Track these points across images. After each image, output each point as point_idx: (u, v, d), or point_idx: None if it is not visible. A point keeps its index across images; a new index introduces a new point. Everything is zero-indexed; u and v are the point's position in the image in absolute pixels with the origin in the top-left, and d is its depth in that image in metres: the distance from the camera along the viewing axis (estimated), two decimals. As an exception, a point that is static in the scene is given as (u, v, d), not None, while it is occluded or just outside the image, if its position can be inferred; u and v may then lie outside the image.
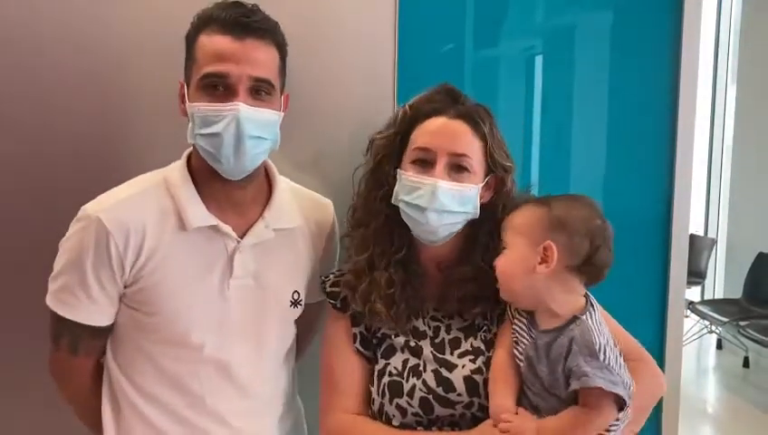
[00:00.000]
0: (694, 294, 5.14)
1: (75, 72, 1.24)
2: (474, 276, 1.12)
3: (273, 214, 1.13)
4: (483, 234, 1.13)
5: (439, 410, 1.07)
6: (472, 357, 1.09)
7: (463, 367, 1.08)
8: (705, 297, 5.22)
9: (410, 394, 1.07)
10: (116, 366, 1.11)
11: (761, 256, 4.49)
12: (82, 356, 1.11)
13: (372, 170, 1.15)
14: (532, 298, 1.05)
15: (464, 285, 1.12)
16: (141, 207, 1.06)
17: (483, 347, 1.11)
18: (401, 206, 1.09)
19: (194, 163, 1.10)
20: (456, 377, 1.08)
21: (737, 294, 4.63)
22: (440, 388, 1.07)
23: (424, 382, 1.08)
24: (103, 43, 1.25)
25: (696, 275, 4.66)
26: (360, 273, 1.12)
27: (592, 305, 1.06)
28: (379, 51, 1.37)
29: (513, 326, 1.08)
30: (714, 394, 4.34)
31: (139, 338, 1.09)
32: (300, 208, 1.19)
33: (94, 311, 1.06)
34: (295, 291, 1.17)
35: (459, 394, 1.07)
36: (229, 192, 1.09)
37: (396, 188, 1.10)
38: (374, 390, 1.11)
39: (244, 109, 1.01)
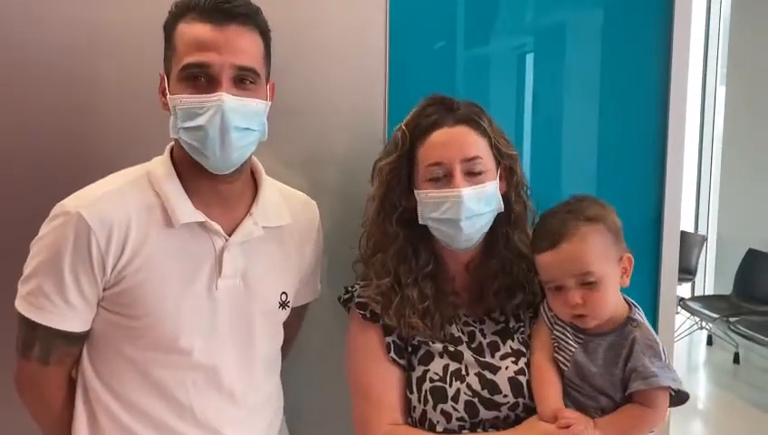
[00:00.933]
0: (684, 290, 5.18)
1: (52, 68, 1.22)
2: (501, 267, 1.14)
3: (261, 211, 1.09)
4: (501, 224, 1.14)
5: (484, 413, 1.07)
6: (514, 359, 1.11)
7: (506, 368, 1.09)
8: (696, 294, 5.25)
9: (455, 398, 1.07)
10: (93, 373, 1.05)
11: (750, 253, 4.52)
12: (54, 366, 1.03)
13: (383, 196, 1.13)
14: (611, 314, 1.06)
15: (495, 279, 1.14)
16: (124, 203, 1.00)
17: (522, 348, 1.12)
18: (430, 224, 1.10)
19: (177, 157, 1.05)
20: (501, 379, 1.08)
21: (727, 290, 4.67)
22: (485, 390, 1.08)
23: (468, 386, 1.08)
24: (79, 39, 1.23)
25: (686, 271, 4.69)
26: (389, 293, 1.11)
27: (634, 304, 1.09)
28: (371, 49, 1.36)
29: (555, 333, 1.09)
30: (704, 390, 4.37)
31: (121, 344, 1.03)
32: (288, 207, 1.15)
33: (71, 316, 0.99)
34: (283, 292, 1.14)
35: (505, 395, 1.07)
36: (215, 187, 1.04)
37: (419, 208, 1.10)
38: (414, 397, 1.10)
39: (228, 99, 0.96)
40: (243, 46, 0.99)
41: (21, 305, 1.00)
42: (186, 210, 1.02)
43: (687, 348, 4.89)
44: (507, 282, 1.14)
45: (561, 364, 1.07)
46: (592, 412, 1.04)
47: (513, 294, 1.15)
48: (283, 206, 1.14)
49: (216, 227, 1.04)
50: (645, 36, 1.50)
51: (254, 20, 1.01)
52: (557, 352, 1.08)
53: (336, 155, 1.36)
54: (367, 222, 1.18)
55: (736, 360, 4.56)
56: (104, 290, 1.00)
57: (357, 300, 1.15)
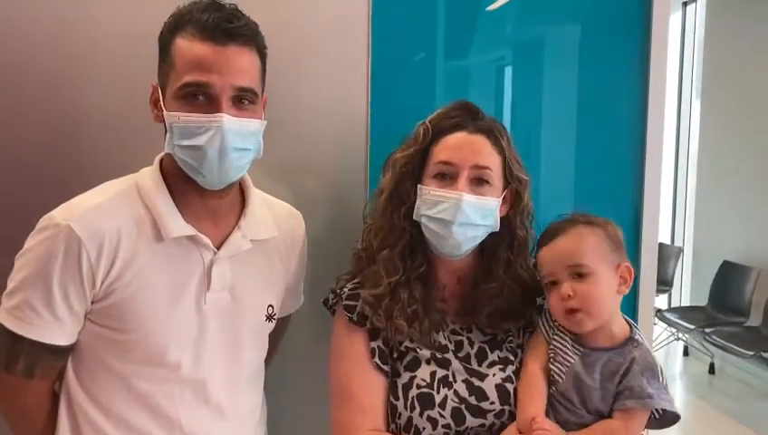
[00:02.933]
0: (661, 301, 5.24)
1: (40, 71, 1.21)
2: (500, 292, 1.14)
3: (249, 224, 1.09)
4: (503, 248, 1.14)
5: (471, 421, 1.07)
6: (501, 366, 1.11)
7: (494, 376, 1.10)
8: (672, 305, 5.32)
9: (442, 405, 1.07)
10: (78, 386, 1.03)
11: (726, 264, 4.59)
12: (38, 379, 1.01)
13: (394, 188, 1.13)
14: (606, 319, 1.07)
15: (491, 302, 1.13)
16: (114, 216, 0.99)
17: (510, 356, 1.13)
18: (423, 221, 1.09)
19: (167, 170, 1.04)
20: (488, 386, 1.09)
21: (703, 301, 4.73)
22: (473, 397, 1.08)
23: (456, 393, 1.08)
24: (68, 41, 1.22)
25: (662, 283, 4.75)
26: (387, 292, 1.10)
27: (635, 325, 1.10)
28: (353, 60, 1.37)
29: (553, 344, 1.10)
30: (681, 400, 4.42)
31: (108, 357, 1.02)
32: (274, 219, 1.15)
33: (58, 330, 0.98)
34: (270, 305, 1.14)
35: (492, 402, 1.08)
36: (206, 201, 1.04)
37: (417, 203, 1.10)
38: (400, 404, 1.09)
39: (228, 121, 0.95)
40: (243, 67, 0.98)
41: (6, 319, 0.98)
42: (176, 224, 1.01)
43: (664, 359, 4.94)
44: (501, 306, 1.14)
45: (555, 375, 1.07)
46: (573, 428, 1.04)
47: (504, 318, 1.15)
48: (269, 218, 1.14)
49: (206, 240, 1.04)
50: (622, 50, 1.52)
51: (254, 40, 1.00)
52: (552, 363, 1.08)
53: (319, 165, 1.36)
54: (373, 215, 1.17)
55: (712, 370, 4.62)
56: (93, 303, 0.99)
57: (345, 302, 1.14)
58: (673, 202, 5.52)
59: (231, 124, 0.96)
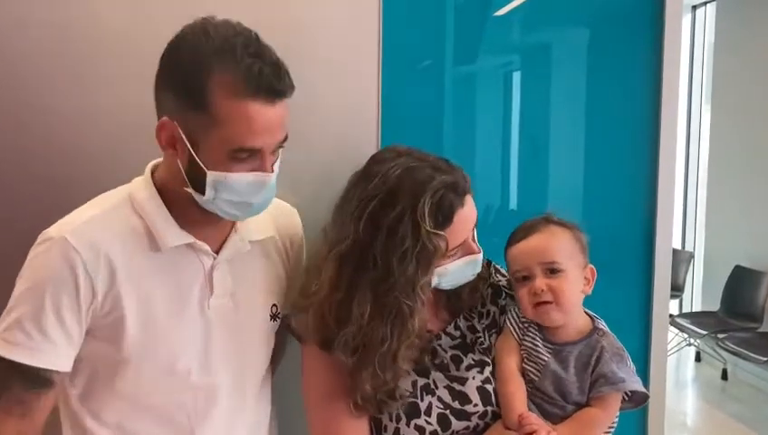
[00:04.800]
0: (672, 306, 5.20)
1: (43, 71, 1.21)
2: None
3: (246, 225, 1.07)
4: None
5: (456, 425, 1.07)
6: (479, 369, 1.12)
7: (473, 378, 1.11)
8: (684, 310, 5.27)
9: (428, 413, 1.07)
10: (86, 413, 1.00)
11: (738, 269, 4.55)
12: (10, 419, 0.93)
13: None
14: (573, 315, 1.12)
15: (442, 291, 1.13)
16: (110, 227, 0.97)
17: (484, 358, 1.14)
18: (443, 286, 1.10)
19: (160, 180, 1.02)
20: (470, 389, 1.10)
21: (715, 306, 4.69)
22: (456, 402, 1.08)
23: (439, 399, 1.08)
24: (72, 41, 1.22)
25: (674, 288, 4.71)
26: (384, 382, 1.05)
27: (595, 315, 1.16)
28: (364, 66, 1.37)
29: (525, 344, 1.13)
30: (693, 406, 4.38)
31: (112, 373, 0.98)
32: (271, 217, 1.14)
33: (43, 350, 0.91)
34: (273, 304, 1.14)
35: (475, 405, 1.09)
36: (202, 208, 1.00)
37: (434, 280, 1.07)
38: (385, 417, 1.08)
39: (274, 176, 0.97)
40: (285, 121, 0.96)
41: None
42: (173, 233, 1.00)
43: (676, 364, 4.90)
44: (454, 291, 1.14)
45: (531, 374, 1.11)
46: (552, 419, 1.08)
47: (459, 295, 1.16)
48: (266, 218, 1.12)
49: (205, 246, 1.03)
50: (633, 55, 1.51)
51: (292, 90, 0.96)
52: (526, 363, 1.12)
53: (330, 171, 1.36)
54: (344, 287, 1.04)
55: (724, 376, 4.57)
56: (92, 319, 0.96)
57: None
58: (683, 207, 5.48)
59: (275, 177, 0.98)
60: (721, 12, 5.04)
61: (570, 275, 1.10)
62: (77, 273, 0.92)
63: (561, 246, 1.11)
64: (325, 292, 1.03)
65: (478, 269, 1.11)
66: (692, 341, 4.78)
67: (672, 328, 4.66)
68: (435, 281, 1.06)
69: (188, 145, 0.93)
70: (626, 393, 1.09)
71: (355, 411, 1.05)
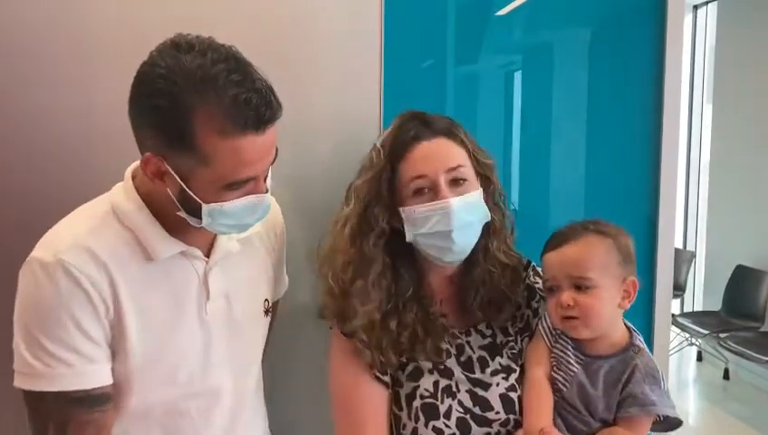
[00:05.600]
0: (674, 306, 5.19)
1: (48, 72, 1.21)
2: (482, 279, 1.13)
3: None
4: (480, 235, 1.13)
5: (476, 430, 1.06)
6: (504, 375, 1.10)
7: (497, 385, 1.09)
8: (685, 310, 5.27)
9: (447, 415, 1.06)
10: None
11: (739, 269, 4.55)
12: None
13: (359, 216, 1.09)
14: (605, 330, 1.06)
15: (477, 292, 1.13)
16: (101, 241, 0.92)
17: (512, 364, 1.12)
18: (420, 240, 1.08)
19: (144, 188, 0.96)
20: (492, 396, 1.08)
21: (717, 306, 4.68)
22: (477, 407, 1.07)
23: (460, 403, 1.07)
24: (74, 41, 1.23)
25: (675, 287, 4.68)
26: (373, 324, 1.08)
27: (634, 329, 1.09)
28: (366, 67, 1.37)
29: (555, 351, 1.09)
30: (695, 406, 4.37)
31: (117, 387, 0.95)
32: None
33: (87, 369, 0.89)
34: (266, 299, 1.14)
35: (497, 412, 1.07)
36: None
37: (406, 226, 1.08)
38: (404, 414, 1.08)
39: (269, 194, 0.96)
40: (273, 143, 0.92)
41: (22, 381, 0.88)
42: (164, 244, 0.97)
43: (677, 364, 4.90)
44: (490, 294, 1.14)
45: (560, 384, 1.06)
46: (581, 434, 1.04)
47: (499, 307, 1.14)
48: None
49: (198, 252, 1.01)
50: (635, 55, 1.51)
51: (281, 110, 0.91)
52: (555, 371, 1.07)
53: (332, 172, 1.36)
54: (339, 248, 1.11)
55: (726, 376, 4.57)
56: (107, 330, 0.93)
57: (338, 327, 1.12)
58: (685, 206, 5.48)
59: (269, 195, 0.96)
60: (722, 11, 5.03)
61: (601, 292, 1.03)
62: (85, 288, 0.90)
63: (594, 259, 1.03)
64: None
65: (446, 220, 1.06)
66: (694, 340, 4.77)
67: (674, 328, 4.66)
68: (407, 226, 1.09)
69: (179, 180, 0.89)
70: (658, 416, 1.03)
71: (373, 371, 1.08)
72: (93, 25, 1.23)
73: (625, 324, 1.09)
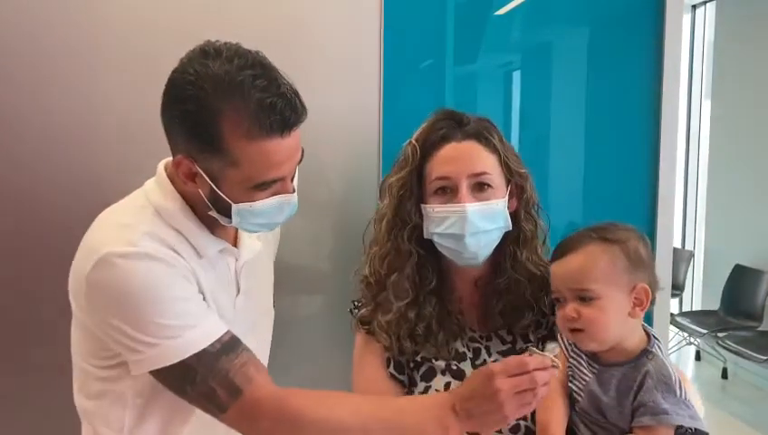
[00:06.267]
0: (672, 305, 5.19)
1: (50, 71, 1.22)
2: (507, 287, 1.13)
3: None
4: (508, 242, 1.13)
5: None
6: None
7: None
8: (684, 309, 5.27)
9: None
10: (137, 413, 0.98)
11: (738, 268, 4.55)
12: (260, 377, 0.94)
13: (394, 211, 1.12)
14: (616, 341, 1.01)
15: (500, 298, 1.13)
16: (160, 235, 0.94)
17: None
18: (435, 239, 1.09)
19: (178, 185, 0.98)
20: None
21: (715, 305, 4.68)
22: None
23: None
24: (79, 42, 1.23)
25: (674, 286, 4.71)
26: (403, 315, 1.10)
27: (654, 336, 1.04)
28: (365, 67, 1.38)
29: (570, 361, 1.07)
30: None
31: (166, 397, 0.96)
32: None
33: (213, 320, 0.95)
34: (272, 294, 1.19)
35: None
36: None
37: (424, 223, 1.10)
38: None
39: (296, 194, 0.99)
40: (300, 142, 0.95)
41: (162, 359, 0.90)
42: (210, 241, 1.01)
43: (676, 363, 4.89)
44: (513, 301, 1.13)
45: (574, 394, 1.05)
46: None
47: (521, 314, 1.14)
48: None
49: (234, 249, 1.05)
50: (633, 54, 1.52)
51: (306, 113, 0.94)
52: (571, 382, 1.06)
53: (332, 171, 1.37)
54: (378, 241, 1.15)
55: (725, 375, 4.57)
56: None
57: (361, 316, 1.15)
58: (683, 205, 5.48)
59: (296, 195, 0.99)
60: (721, 11, 5.03)
61: (605, 302, 0.98)
62: (173, 264, 0.92)
63: (595, 269, 0.98)
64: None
65: (461, 224, 1.06)
66: (692, 340, 4.78)
67: (672, 327, 4.66)
68: (425, 223, 1.11)
69: (209, 181, 0.93)
70: (685, 428, 0.97)
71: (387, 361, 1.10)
72: (93, 25, 1.23)
73: (645, 331, 1.05)
